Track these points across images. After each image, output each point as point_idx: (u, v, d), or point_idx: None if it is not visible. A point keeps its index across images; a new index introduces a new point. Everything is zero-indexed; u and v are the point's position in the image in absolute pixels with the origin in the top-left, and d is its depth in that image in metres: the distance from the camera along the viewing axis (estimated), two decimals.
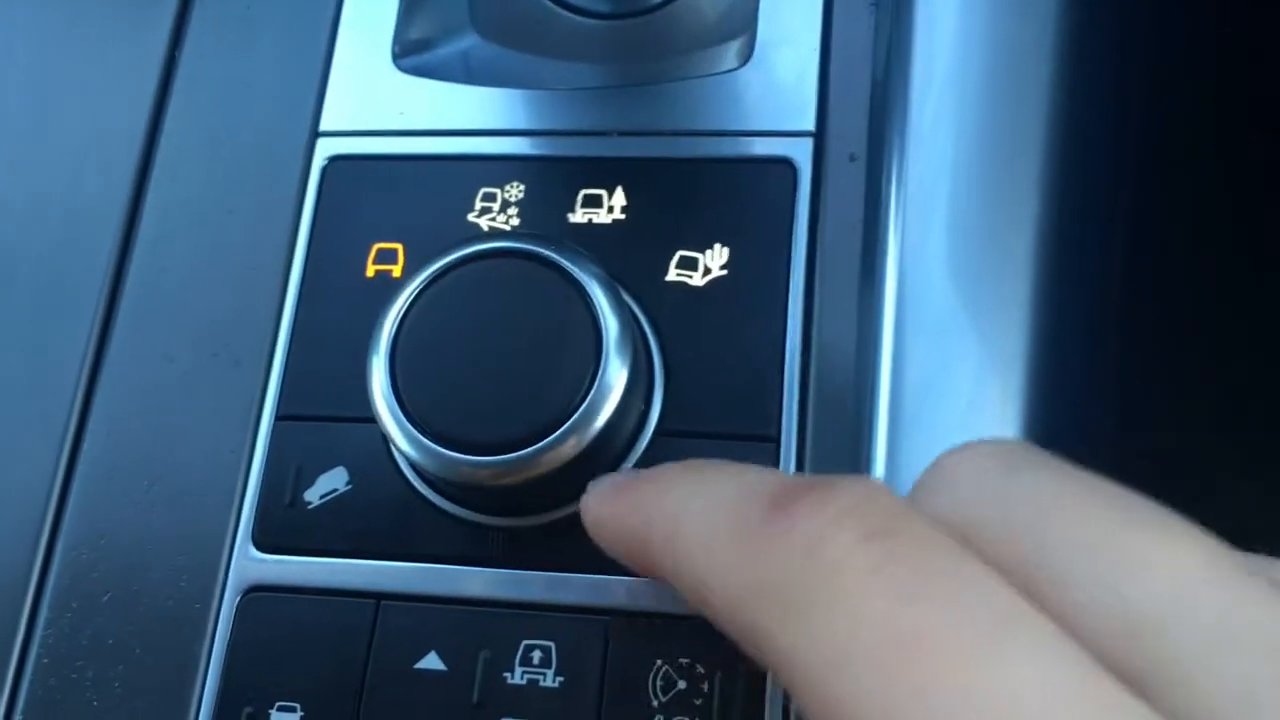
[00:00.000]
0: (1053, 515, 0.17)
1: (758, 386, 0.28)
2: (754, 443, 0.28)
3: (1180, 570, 0.15)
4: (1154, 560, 0.16)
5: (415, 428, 0.26)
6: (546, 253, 0.27)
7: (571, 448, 0.25)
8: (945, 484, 0.19)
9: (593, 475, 0.27)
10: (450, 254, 0.27)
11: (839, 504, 0.17)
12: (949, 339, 0.27)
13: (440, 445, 0.26)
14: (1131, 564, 0.16)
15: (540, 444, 0.25)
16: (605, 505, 0.23)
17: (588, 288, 0.26)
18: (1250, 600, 0.15)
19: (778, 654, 0.17)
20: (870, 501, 0.17)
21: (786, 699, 0.26)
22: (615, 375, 0.26)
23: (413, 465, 0.28)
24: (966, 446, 0.19)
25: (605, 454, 0.27)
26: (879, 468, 0.26)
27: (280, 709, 0.27)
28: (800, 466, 0.27)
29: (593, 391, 0.25)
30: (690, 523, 0.20)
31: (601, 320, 0.26)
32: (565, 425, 0.25)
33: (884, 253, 0.27)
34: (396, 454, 0.28)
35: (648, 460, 0.28)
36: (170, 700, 0.28)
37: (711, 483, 0.20)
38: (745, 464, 0.21)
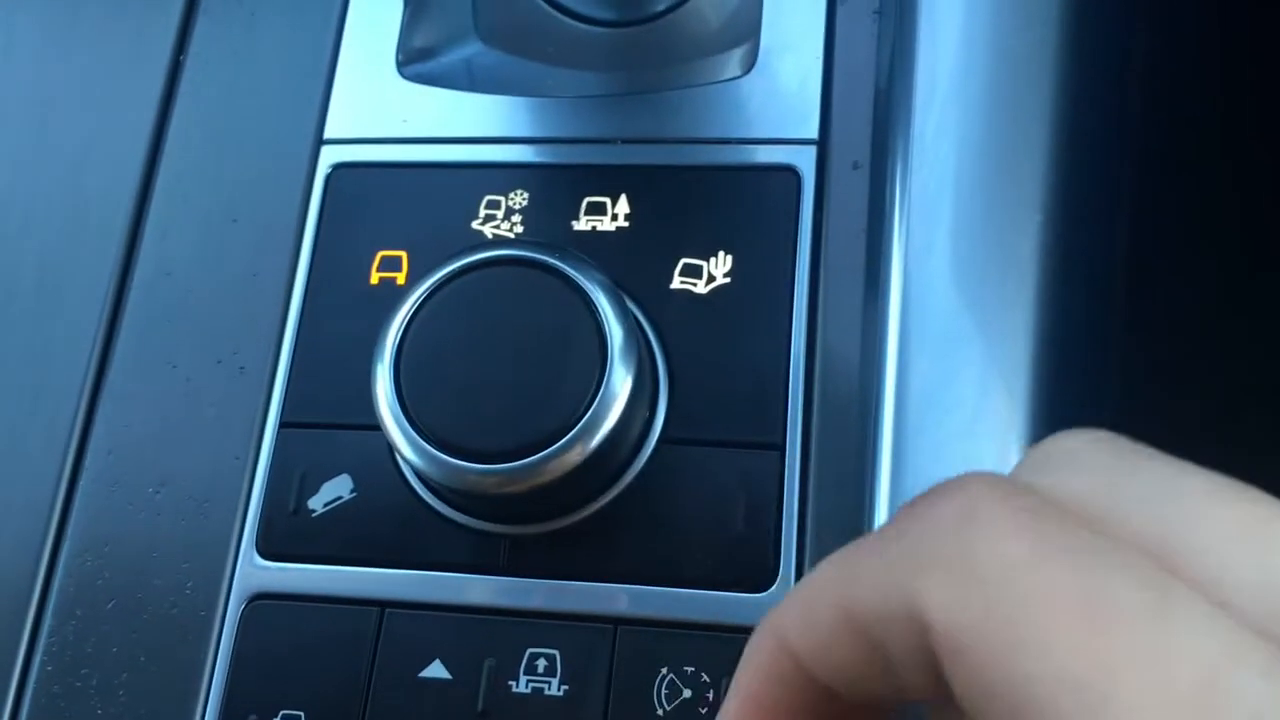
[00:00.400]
0: (1189, 498, 0.17)
1: (762, 394, 0.28)
2: (759, 450, 0.28)
3: None
4: None
5: (420, 435, 0.26)
6: (550, 260, 0.27)
7: (576, 455, 0.25)
8: (1057, 465, 0.18)
9: (597, 483, 0.27)
10: (454, 262, 0.27)
11: (973, 487, 0.17)
12: (953, 346, 0.27)
13: (445, 453, 0.26)
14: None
15: (545, 452, 0.25)
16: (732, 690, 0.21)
17: (592, 295, 0.26)
18: None
19: (949, 634, 0.16)
20: (1002, 483, 0.17)
21: None
22: (620, 383, 0.26)
23: (417, 473, 0.28)
24: (1075, 431, 0.19)
25: (610, 462, 0.27)
26: (884, 474, 0.26)
27: (284, 717, 0.27)
28: (805, 473, 0.27)
29: (597, 399, 0.25)
30: (817, 582, 0.19)
31: (606, 328, 0.26)
32: (570, 433, 0.25)
33: (888, 260, 0.27)
34: (401, 462, 0.28)
35: (652, 468, 0.28)
36: (174, 708, 0.28)
37: (813, 573, 0.19)
38: None
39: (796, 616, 0.19)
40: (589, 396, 0.26)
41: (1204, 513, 0.17)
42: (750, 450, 0.28)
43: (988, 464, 0.19)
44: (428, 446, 0.26)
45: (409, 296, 0.27)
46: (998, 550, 0.16)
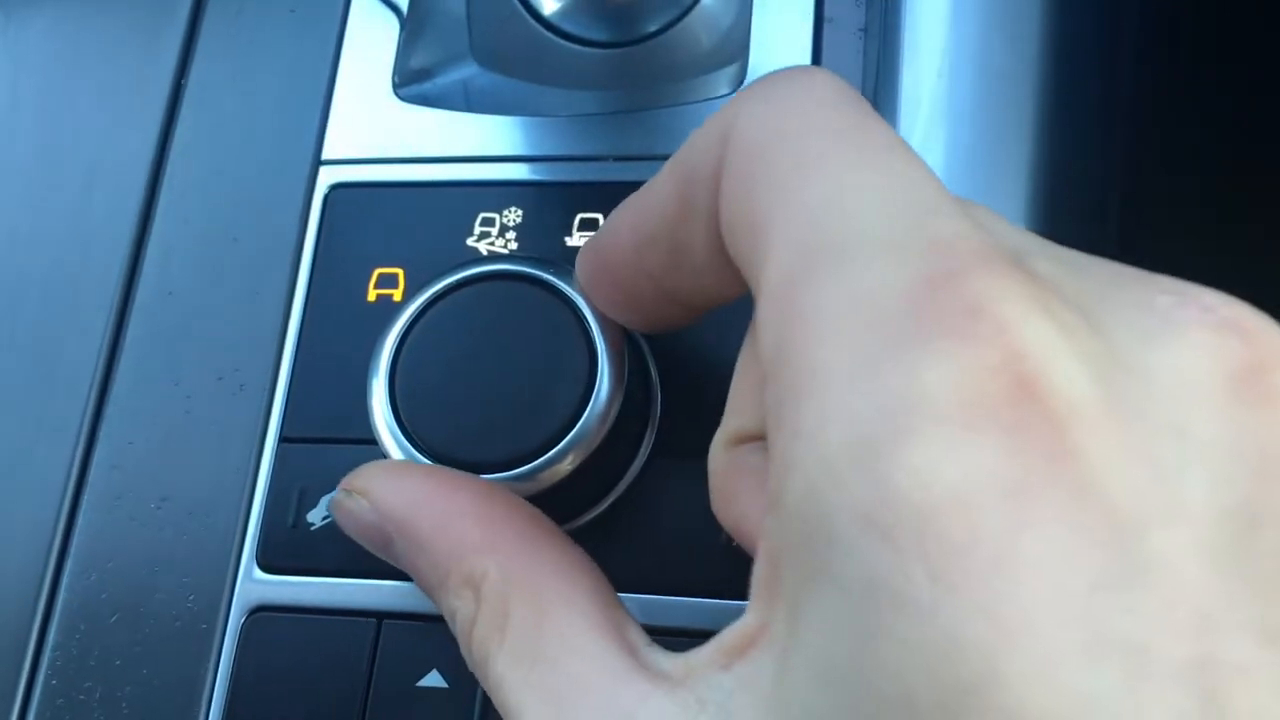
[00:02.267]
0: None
1: None
2: None
3: None
4: None
5: (414, 447, 0.26)
6: (542, 275, 0.27)
7: (568, 465, 0.26)
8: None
9: (590, 493, 0.28)
10: (448, 277, 0.28)
11: (804, 82, 0.20)
12: None
13: (438, 464, 0.26)
14: None
15: (536, 462, 0.26)
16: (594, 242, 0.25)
17: (583, 308, 0.27)
18: None
19: (736, 151, 0.19)
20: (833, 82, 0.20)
21: None
22: (610, 394, 0.26)
23: None
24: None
25: (602, 472, 0.27)
26: None
27: None
28: None
29: (588, 410, 0.26)
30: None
31: (596, 340, 0.26)
32: (561, 444, 0.26)
33: None
34: None
35: (644, 479, 0.28)
36: (176, 719, 0.29)
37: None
38: None
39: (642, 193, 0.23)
40: (580, 408, 0.26)
41: None
42: None
43: None
44: (421, 458, 0.26)
45: (403, 312, 0.27)
46: (810, 131, 0.19)
